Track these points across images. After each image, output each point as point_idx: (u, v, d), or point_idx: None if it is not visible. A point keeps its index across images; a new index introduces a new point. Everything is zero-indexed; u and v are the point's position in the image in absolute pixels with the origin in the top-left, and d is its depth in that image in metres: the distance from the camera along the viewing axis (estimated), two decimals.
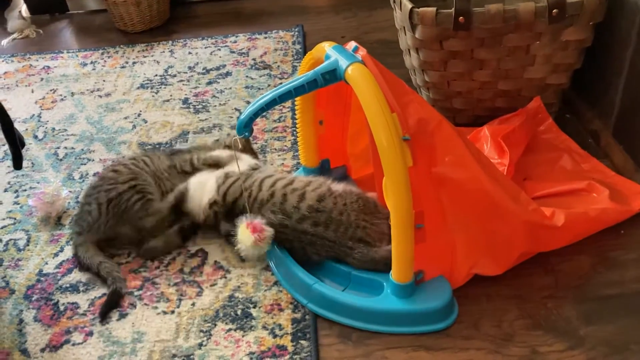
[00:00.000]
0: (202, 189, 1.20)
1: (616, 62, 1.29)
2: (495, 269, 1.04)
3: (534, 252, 1.08)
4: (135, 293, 1.12)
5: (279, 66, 1.82)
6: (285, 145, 1.47)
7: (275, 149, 1.46)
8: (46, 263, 1.20)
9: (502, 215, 0.99)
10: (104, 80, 1.84)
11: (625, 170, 1.27)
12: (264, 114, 1.57)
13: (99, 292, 1.13)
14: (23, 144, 1.30)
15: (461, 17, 1.23)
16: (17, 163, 1.24)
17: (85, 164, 1.48)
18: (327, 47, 1.01)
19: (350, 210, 1.09)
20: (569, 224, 1.05)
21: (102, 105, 1.71)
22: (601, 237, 1.13)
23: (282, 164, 1.41)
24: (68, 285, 1.15)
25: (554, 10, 1.22)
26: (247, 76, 1.79)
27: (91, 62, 1.95)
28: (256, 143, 1.49)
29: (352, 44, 1.01)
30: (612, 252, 1.11)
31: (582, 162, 1.29)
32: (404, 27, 1.37)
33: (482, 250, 1.02)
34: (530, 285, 1.06)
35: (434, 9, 1.25)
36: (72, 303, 1.11)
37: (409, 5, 1.28)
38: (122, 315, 1.08)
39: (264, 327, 1.03)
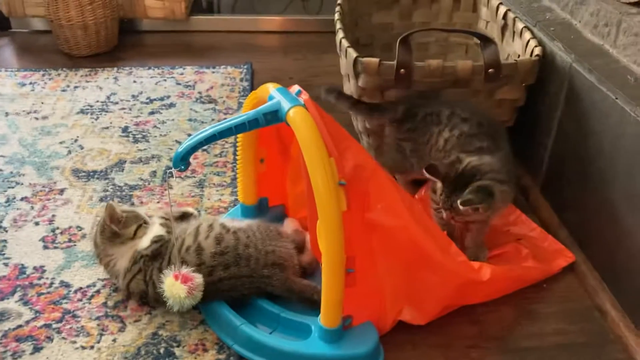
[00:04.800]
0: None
1: (546, 123, 1.37)
2: (419, 319, 1.05)
3: (459, 304, 1.10)
4: (54, 326, 1.07)
5: (224, 101, 1.82)
6: (225, 181, 1.46)
7: (214, 184, 1.45)
8: None
9: (430, 265, 1.01)
10: (42, 103, 1.79)
11: (550, 227, 1.32)
12: (206, 147, 1.57)
13: (14, 323, 1.07)
14: None
15: (402, 70, 1.27)
16: None
17: (13, 188, 1.42)
18: (271, 88, 1.03)
19: (255, 240, 1.08)
20: (494, 280, 1.08)
21: (38, 127, 1.66)
22: (525, 290, 1.17)
23: (220, 199, 1.40)
24: None
25: (490, 70, 1.28)
26: (191, 109, 1.78)
27: (30, 83, 1.90)
28: (194, 177, 1.47)
29: (296, 88, 1.02)
30: (533, 305, 1.15)
31: (507, 213, 1.34)
32: (349, 75, 1.40)
33: (408, 299, 1.03)
34: (455, 334, 1.08)
35: (377, 59, 1.29)
36: None
37: (354, 55, 1.32)
38: (37, 349, 1.02)
39: None
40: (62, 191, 1.41)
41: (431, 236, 1.01)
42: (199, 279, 1.03)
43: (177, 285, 1.01)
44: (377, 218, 0.96)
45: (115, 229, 1.11)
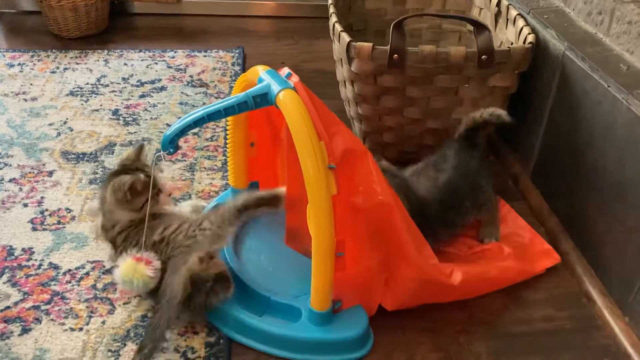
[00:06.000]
0: None
1: (537, 111, 1.37)
2: (389, 304, 1.05)
3: (431, 302, 1.09)
4: (42, 307, 1.06)
5: (216, 85, 1.81)
6: (216, 165, 1.45)
7: (205, 168, 1.44)
8: None
9: (405, 258, 1.00)
10: (31, 84, 1.77)
11: (540, 214, 1.33)
12: (197, 131, 1.56)
13: (2, 304, 1.06)
14: None
15: (395, 55, 1.27)
16: None
17: (1, 169, 1.40)
18: (260, 71, 1.02)
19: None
20: (466, 283, 1.06)
21: (27, 109, 1.64)
22: None
23: (211, 183, 1.39)
24: None
25: (483, 57, 1.28)
26: (182, 92, 1.76)
27: (19, 64, 1.87)
28: (185, 160, 1.46)
29: (286, 70, 1.01)
30: (523, 291, 1.16)
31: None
32: (341, 60, 1.39)
33: (386, 282, 1.03)
34: (444, 319, 1.09)
35: (370, 44, 1.28)
36: None
37: (347, 39, 1.31)
38: (25, 330, 1.02)
39: (176, 350, 1.00)
40: (51, 173, 1.40)
41: (409, 231, 1.00)
42: (157, 263, 1.02)
43: (141, 267, 1.01)
44: (359, 200, 0.95)
45: (128, 197, 1.09)
